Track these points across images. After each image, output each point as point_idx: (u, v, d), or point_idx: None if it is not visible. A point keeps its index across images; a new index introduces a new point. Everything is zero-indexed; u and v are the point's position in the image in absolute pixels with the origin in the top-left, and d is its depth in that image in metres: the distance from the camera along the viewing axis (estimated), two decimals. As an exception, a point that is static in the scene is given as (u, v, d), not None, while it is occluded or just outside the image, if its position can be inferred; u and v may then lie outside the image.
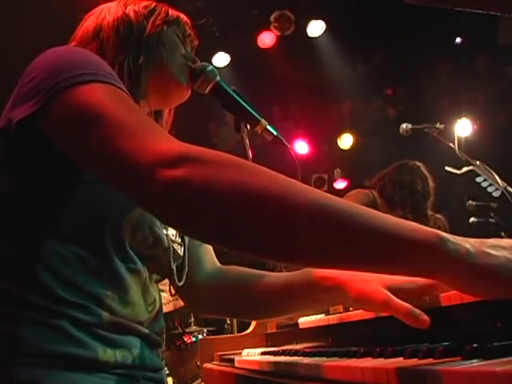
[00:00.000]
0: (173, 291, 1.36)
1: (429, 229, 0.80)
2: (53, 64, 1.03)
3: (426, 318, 0.90)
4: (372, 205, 3.40)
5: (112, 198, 1.08)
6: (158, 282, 1.30)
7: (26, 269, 1.02)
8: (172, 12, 1.34)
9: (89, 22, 1.28)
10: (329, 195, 0.83)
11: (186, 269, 1.32)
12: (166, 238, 1.23)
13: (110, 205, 1.09)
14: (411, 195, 3.40)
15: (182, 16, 1.36)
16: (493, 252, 0.79)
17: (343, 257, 0.82)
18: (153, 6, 1.32)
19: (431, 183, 3.46)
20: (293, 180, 0.85)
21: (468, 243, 0.80)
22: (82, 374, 0.99)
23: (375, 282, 1.06)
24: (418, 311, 0.92)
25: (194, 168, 0.84)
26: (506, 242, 0.82)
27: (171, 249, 1.25)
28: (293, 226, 0.80)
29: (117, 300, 1.09)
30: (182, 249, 1.32)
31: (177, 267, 1.30)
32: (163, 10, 1.32)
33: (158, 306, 1.24)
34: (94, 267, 1.07)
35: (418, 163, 3.51)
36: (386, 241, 0.79)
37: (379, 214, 0.81)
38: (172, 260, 1.25)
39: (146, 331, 1.17)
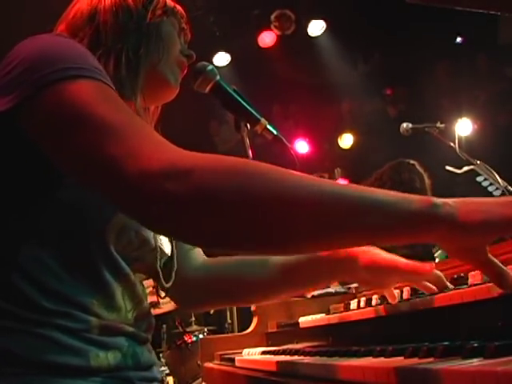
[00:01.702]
0: (162, 294, 1.32)
1: (420, 197, 0.85)
2: (34, 55, 0.96)
3: (428, 267, 1.04)
4: None
5: (94, 202, 1.03)
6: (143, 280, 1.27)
7: (6, 280, 0.98)
8: (169, 2, 1.28)
9: (82, 4, 1.20)
10: (327, 181, 0.85)
11: (175, 267, 1.29)
12: (153, 238, 1.19)
13: (93, 209, 1.04)
14: (410, 192, 3.42)
15: (179, 7, 1.31)
16: (476, 208, 0.83)
17: (349, 235, 0.86)
18: None
19: (427, 179, 3.49)
20: (289, 172, 0.85)
21: (452, 201, 0.84)
22: (75, 380, 0.97)
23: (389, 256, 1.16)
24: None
25: (185, 180, 0.81)
26: (492, 198, 0.87)
27: (158, 250, 1.21)
28: (297, 220, 0.82)
29: (103, 306, 1.06)
30: (170, 245, 1.29)
31: (165, 266, 1.26)
32: None
33: (144, 305, 1.20)
34: (78, 275, 1.03)
35: (413, 161, 3.54)
36: (385, 213, 0.83)
37: (372, 190, 0.85)
38: (158, 262, 1.21)
39: (133, 330, 1.14)
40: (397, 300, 1.18)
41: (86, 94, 0.90)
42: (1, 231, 1.02)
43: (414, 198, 0.84)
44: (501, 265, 0.85)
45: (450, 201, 0.84)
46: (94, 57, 1.04)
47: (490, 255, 0.85)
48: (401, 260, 1.14)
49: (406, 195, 0.85)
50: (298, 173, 0.85)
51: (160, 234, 1.13)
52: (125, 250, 1.12)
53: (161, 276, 1.23)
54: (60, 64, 0.93)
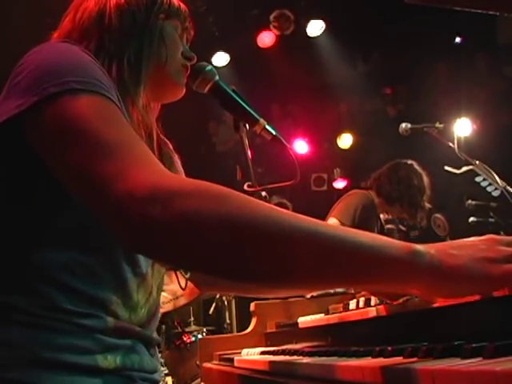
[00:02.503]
0: (183, 284, 1.33)
1: (401, 243, 0.83)
2: (42, 66, 0.98)
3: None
4: (371, 204, 3.45)
5: None
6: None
7: (26, 280, 1.00)
8: (173, 1, 1.28)
9: (90, 3, 1.20)
10: (309, 219, 0.84)
11: None
12: None
13: None
14: (408, 189, 3.48)
15: (183, 6, 1.31)
16: (456, 252, 0.82)
17: (325, 277, 0.85)
18: None
19: (425, 178, 3.53)
20: (270, 207, 0.85)
21: (433, 249, 0.83)
22: (80, 376, 0.98)
23: None
24: None
25: (168, 205, 0.81)
26: (470, 240, 0.86)
27: None
28: (278, 254, 0.82)
29: (121, 304, 1.08)
30: None
31: None
32: None
33: (156, 306, 1.22)
34: (100, 274, 1.05)
35: (411, 161, 3.57)
36: (363, 258, 0.81)
37: (354, 231, 0.84)
38: None
39: (148, 333, 1.16)
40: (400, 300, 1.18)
41: (84, 109, 0.92)
42: (20, 232, 1.03)
43: (396, 245, 0.83)
44: None
45: (431, 249, 0.83)
46: (100, 65, 1.06)
47: None
48: None
49: (390, 241, 0.84)
50: (282, 209, 0.85)
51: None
52: None
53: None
54: (64, 77, 0.95)
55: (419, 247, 0.82)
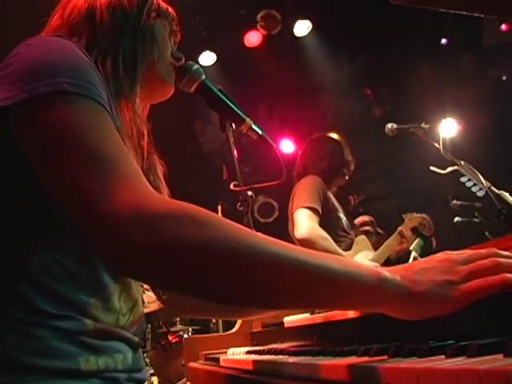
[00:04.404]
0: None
1: (371, 269, 0.89)
2: (34, 60, 0.96)
3: None
4: (323, 185, 3.43)
5: None
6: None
7: (5, 281, 0.99)
8: (162, 4, 1.30)
9: (79, 1, 1.20)
10: (289, 246, 0.87)
11: None
12: None
13: None
14: (332, 159, 3.61)
15: (171, 9, 1.33)
16: (420, 279, 0.87)
17: (301, 302, 0.90)
18: None
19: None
20: (252, 233, 0.88)
21: (399, 275, 0.88)
22: (62, 380, 0.97)
23: None
24: None
25: (150, 229, 0.82)
26: (431, 263, 0.90)
27: None
28: (257, 280, 0.84)
29: (100, 308, 1.07)
30: None
31: None
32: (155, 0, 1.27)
33: (140, 308, 1.22)
34: (78, 276, 1.04)
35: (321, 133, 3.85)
36: (337, 285, 0.87)
37: (331, 258, 0.88)
38: None
39: (129, 335, 1.15)
40: None
41: (76, 116, 0.91)
42: (3, 232, 1.02)
43: (367, 272, 0.87)
44: None
45: (397, 275, 0.88)
46: (92, 62, 1.04)
47: None
48: None
49: (361, 267, 0.88)
50: (262, 235, 0.88)
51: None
52: None
53: None
54: (56, 76, 0.93)
55: (387, 274, 0.87)
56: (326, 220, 3.29)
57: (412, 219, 3.71)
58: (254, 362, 1.25)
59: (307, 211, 3.22)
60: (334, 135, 3.78)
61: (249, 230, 0.88)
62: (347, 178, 3.64)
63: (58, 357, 0.97)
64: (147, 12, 1.23)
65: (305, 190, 3.38)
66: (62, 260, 1.02)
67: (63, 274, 1.02)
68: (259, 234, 0.88)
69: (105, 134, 0.93)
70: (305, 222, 3.15)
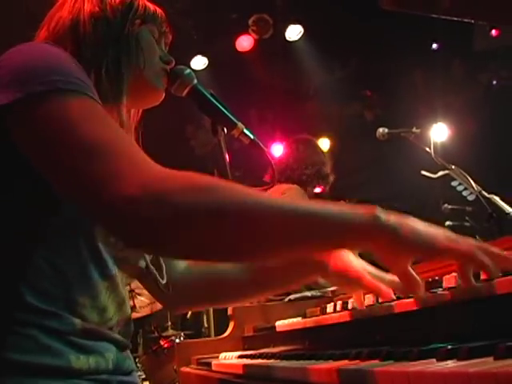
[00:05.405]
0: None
1: (366, 208, 0.94)
2: (25, 62, 0.98)
3: (388, 292, 1.09)
4: (304, 193, 3.40)
5: None
6: (127, 284, 1.29)
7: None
8: (148, 6, 1.27)
9: (64, 12, 1.20)
10: (289, 201, 1.00)
11: (164, 267, 1.32)
12: None
13: None
14: (313, 166, 3.57)
15: (159, 11, 1.31)
16: (411, 224, 0.93)
17: (304, 245, 0.96)
18: (129, 0, 1.24)
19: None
20: (254, 191, 0.94)
21: (392, 216, 0.93)
22: (54, 381, 0.97)
23: (358, 266, 1.19)
24: (385, 288, 1.10)
25: (160, 203, 0.86)
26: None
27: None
28: (262, 232, 0.91)
29: (88, 306, 1.08)
30: None
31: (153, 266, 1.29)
32: (140, 4, 1.25)
33: (127, 308, 1.22)
34: (67, 274, 1.05)
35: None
36: (336, 225, 0.93)
37: (325, 204, 0.95)
38: (148, 259, 1.25)
39: (117, 336, 1.16)
40: (364, 306, 1.19)
41: (73, 110, 0.93)
42: None
43: (361, 210, 0.93)
44: (415, 275, 0.95)
45: (391, 215, 0.93)
46: (80, 67, 1.05)
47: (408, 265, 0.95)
48: (366, 275, 1.15)
49: (354, 207, 0.95)
50: (262, 192, 0.98)
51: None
52: (112, 250, 1.15)
53: (155, 272, 1.27)
54: (49, 75, 0.95)
55: (381, 213, 0.93)
56: None
57: None
58: (246, 366, 1.25)
59: None
60: (321, 144, 3.77)
61: (250, 188, 0.94)
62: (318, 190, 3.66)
63: (48, 354, 0.98)
64: (131, 20, 1.22)
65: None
66: (51, 257, 1.03)
67: (50, 271, 1.03)
68: (260, 191, 0.96)
69: (101, 121, 0.95)
70: None
